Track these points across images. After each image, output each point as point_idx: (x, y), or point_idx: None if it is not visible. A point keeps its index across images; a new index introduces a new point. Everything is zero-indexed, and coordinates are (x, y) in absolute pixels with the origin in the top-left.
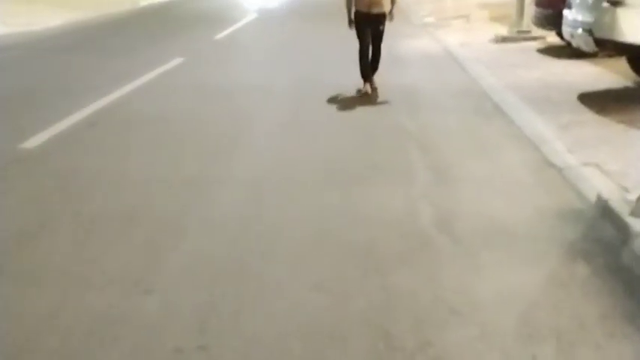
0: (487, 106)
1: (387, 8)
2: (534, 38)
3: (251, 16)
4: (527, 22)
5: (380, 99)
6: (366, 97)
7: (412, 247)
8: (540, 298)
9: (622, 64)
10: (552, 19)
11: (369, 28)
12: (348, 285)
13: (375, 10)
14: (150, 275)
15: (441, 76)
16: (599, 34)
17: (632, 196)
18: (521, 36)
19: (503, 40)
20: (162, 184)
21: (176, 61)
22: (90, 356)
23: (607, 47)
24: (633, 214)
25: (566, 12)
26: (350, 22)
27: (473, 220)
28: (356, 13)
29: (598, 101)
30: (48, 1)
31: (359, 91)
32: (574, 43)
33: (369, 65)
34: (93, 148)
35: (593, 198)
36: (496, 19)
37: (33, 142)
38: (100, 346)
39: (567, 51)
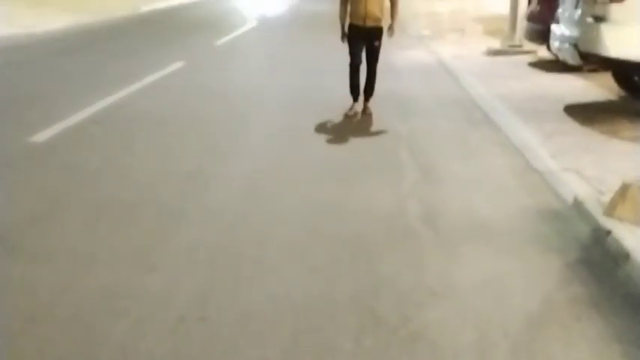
0: (476, 115)
1: (384, 22)
2: (526, 52)
3: (251, 24)
4: (520, 36)
5: (374, 127)
6: (355, 119)
7: (398, 238)
8: (514, 284)
9: (608, 78)
10: (543, 34)
11: (363, 43)
12: (339, 269)
13: (371, 24)
14: (154, 255)
15: (433, 86)
16: (583, 48)
17: (606, 198)
18: (513, 49)
19: (496, 53)
20: (164, 177)
21: (177, 65)
22: (99, 325)
23: (591, 61)
24: (605, 213)
25: (554, 27)
26: (343, 35)
27: (456, 217)
28: (350, 26)
29: (583, 112)
30: (53, 4)
31: (346, 114)
32: (561, 57)
33: (359, 83)
34: (98, 143)
35: (571, 200)
36: (490, 33)
37: (41, 136)
38: (109, 315)
39: (557, 65)
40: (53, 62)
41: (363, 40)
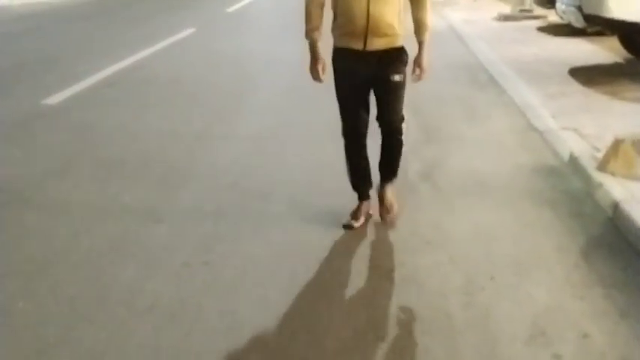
0: (482, 78)
1: (402, 39)
2: (536, 17)
3: None
4: (530, 1)
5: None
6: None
7: (397, 194)
8: (505, 234)
9: (615, 41)
10: None
11: (366, 85)
12: (338, 218)
13: (378, 45)
14: (162, 208)
15: (442, 51)
16: (587, 10)
17: (601, 155)
18: (523, 14)
19: (506, 18)
20: (174, 136)
21: (189, 31)
22: (108, 269)
23: (594, 22)
24: (599, 168)
25: None
26: (315, 66)
27: (454, 174)
28: (337, 52)
29: (587, 75)
30: None
31: (349, 225)
32: (565, 19)
33: (367, 165)
34: (111, 104)
35: (567, 157)
36: None
37: (55, 98)
38: (118, 261)
39: (565, 29)
40: (68, 28)
41: (366, 78)
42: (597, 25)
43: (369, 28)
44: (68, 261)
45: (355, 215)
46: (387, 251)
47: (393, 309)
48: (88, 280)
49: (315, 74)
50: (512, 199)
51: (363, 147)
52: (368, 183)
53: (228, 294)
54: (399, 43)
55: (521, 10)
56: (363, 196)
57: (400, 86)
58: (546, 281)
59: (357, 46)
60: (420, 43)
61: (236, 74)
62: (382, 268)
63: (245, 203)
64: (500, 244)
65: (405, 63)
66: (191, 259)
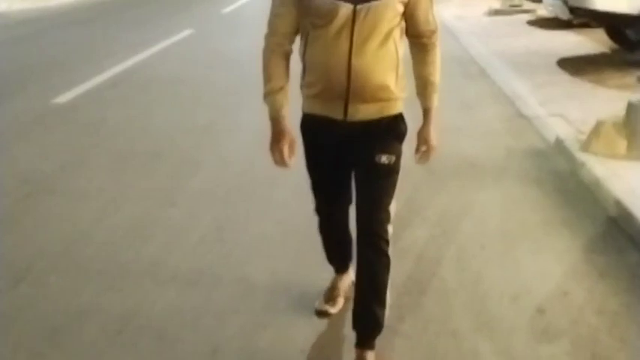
0: (473, 70)
1: (400, 104)
2: (525, 11)
3: None
4: None
5: None
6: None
7: None
8: (494, 210)
9: (602, 33)
10: None
11: (349, 166)
12: None
13: (363, 113)
14: (175, 194)
15: None
16: (572, 3)
17: (585, 137)
18: (513, 9)
19: (496, 13)
20: (181, 131)
21: (186, 32)
22: (131, 246)
23: (579, 14)
24: (582, 149)
25: None
26: (277, 141)
27: (447, 158)
28: (307, 120)
29: (574, 65)
30: None
31: (323, 311)
32: (552, 12)
33: (346, 243)
34: (117, 103)
35: (553, 140)
36: None
37: (63, 98)
38: (139, 240)
39: (554, 22)
40: (69, 32)
41: (346, 158)
42: (582, 17)
43: (350, 91)
44: (93, 241)
45: (331, 296)
46: None
47: (393, 274)
48: (112, 256)
49: (277, 157)
50: (501, 179)
51: (339, 228)
52: (349, 257)
53: (241, 266)
54: (395, 110)
55: (511, 5)
56: (340, 266)
57: (389, 171)
58: (532, 249)
59: (335, 114)
60: (426, 110)
61: (234, 72)
62: None
63: (252, 189)
64: (490, 219)
65: (401, 138)
66: (206, 237)
